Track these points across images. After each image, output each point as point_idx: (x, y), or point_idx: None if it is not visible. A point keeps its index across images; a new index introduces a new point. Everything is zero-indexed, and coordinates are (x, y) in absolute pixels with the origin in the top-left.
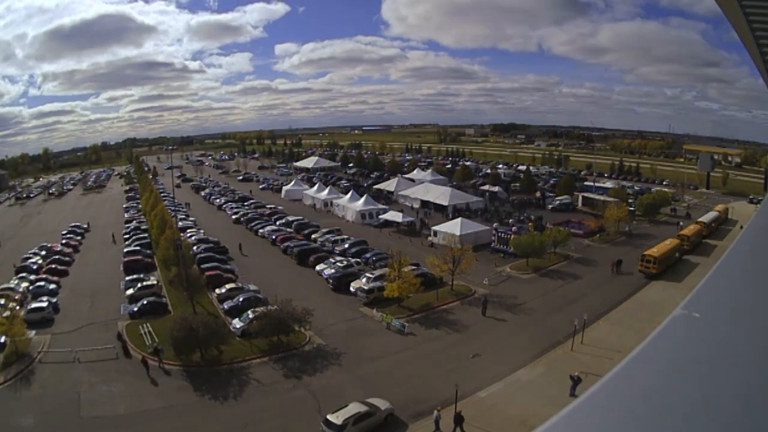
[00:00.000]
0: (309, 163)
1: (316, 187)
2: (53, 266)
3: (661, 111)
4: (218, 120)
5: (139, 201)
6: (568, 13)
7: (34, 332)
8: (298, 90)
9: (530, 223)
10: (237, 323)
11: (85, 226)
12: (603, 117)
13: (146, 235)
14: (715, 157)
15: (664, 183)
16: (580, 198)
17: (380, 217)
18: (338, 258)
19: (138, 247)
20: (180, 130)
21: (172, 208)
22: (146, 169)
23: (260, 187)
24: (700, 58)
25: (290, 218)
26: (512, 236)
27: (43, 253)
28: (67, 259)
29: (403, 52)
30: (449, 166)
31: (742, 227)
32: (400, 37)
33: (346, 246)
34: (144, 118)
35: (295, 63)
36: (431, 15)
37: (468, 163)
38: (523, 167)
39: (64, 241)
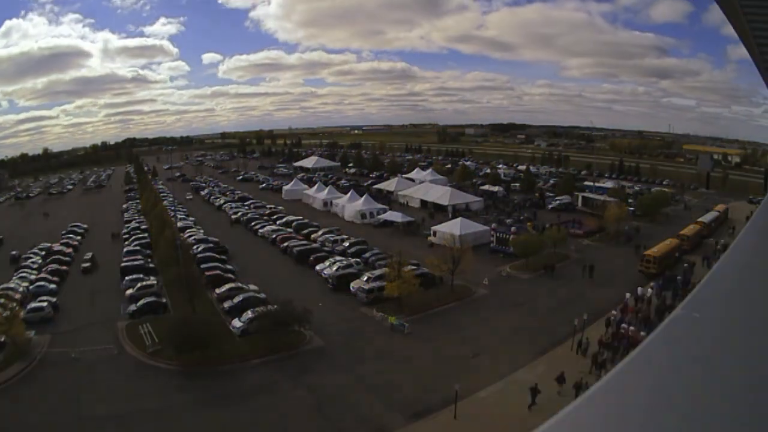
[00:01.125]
0: (309, 163)
1: (316, 187)
2: (53, 266)
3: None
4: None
5: (139, 201)
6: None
7: (33, 332)
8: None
9: (529, 223)
10: (237, 323)
11: (85, 226)
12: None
13: (146, 234)
14: (715, 157)
15: (664, 183)
16: (580, 198)
17: (380, 217)
18: (338, 258)
19: (138, 247)
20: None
21: (172, 208)
22: (146, 169)
23: (260, 187)
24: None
25: (290, 218)
26: (511, 236)
27: (43, 253)
28: (67, 259)
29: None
30: (449, 166)
31: (733, 229)
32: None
33: (346, 246)
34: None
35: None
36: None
37: (468, 163)
38: (523, 167)
39: (64, 241)
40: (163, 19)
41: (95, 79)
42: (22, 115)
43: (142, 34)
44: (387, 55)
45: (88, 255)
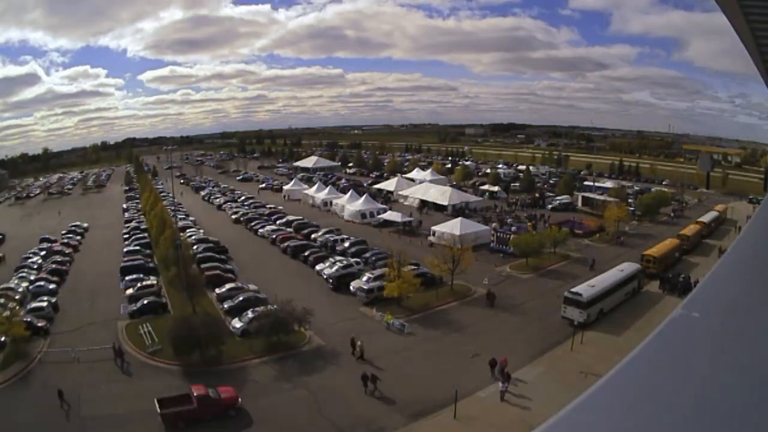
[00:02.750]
0: (309, 162)
1: (315, 187)
2: (53, 266)
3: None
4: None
5: (138, 201)
6: None
7: (34, 328)
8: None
9: (529, 224)
10: (237, 323)
11: (86, 225)
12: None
13: (146, 234)
14: (715, 157)
15: (664, 183)
16: (580, 198)
17: (380, 217)
18: (338, 258)
19: (138, 247)
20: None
21: (172, 208)
22: (146, 168)
23: (260, 186)
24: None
25: (290, 218)
26: (511, 236)
27: (43, 253)
28: (67, 259)
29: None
30: (449, 166)
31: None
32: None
33: (346, 246)
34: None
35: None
36: None
37: (468, 163)
38: (523, 167)
39: (64, 241)
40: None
41: None
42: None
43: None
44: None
45: None
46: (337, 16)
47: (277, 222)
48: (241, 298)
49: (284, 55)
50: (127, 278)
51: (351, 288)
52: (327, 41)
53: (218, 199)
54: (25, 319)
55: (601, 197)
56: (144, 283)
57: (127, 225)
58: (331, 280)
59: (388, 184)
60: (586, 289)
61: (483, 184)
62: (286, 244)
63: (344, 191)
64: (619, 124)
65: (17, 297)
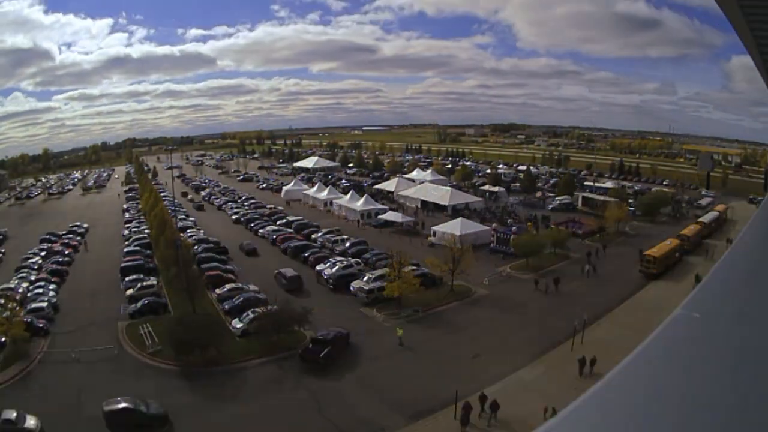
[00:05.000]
0: (309, 163)
1: (316, 187)
2: (53, 266)
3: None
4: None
5: (139, 201)
6: None
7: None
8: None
9: (529, 224)
10: (237, 323)
11: (86, 225)
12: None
13: (146, 234)
14: (715, 157)
15: (664, 183)
16: (580, 198)
17: (380, 217)
18: (338, 258)
19: (138, 247)
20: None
21: (172, 208)
22: (146, 169)
23: (260, 186)
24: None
25: (290, 218)
26: (512, 236)
27: (43, 253)
28: (67, 259)
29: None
30: (449, 166)
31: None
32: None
33: (346, 246)
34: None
35: None
36: None
37: (468, 163)
38: (523, 167)
39: (64, 241)
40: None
41: None
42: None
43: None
44: None
45: None
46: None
47: (278, 222)
48: (241, 298)
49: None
50: (127, 278)
51: (351, 288)
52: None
53: (218, 199)
54: (25, 319)
55: (602, 197)
56: (144, 283)
57: (127, 225)
58: (331, 281)
59: (389, 185)
60: None
61: (483, 184)
62: (286, 244)
63: (344, 192)
64: (619, 124)
65: (17, 297)
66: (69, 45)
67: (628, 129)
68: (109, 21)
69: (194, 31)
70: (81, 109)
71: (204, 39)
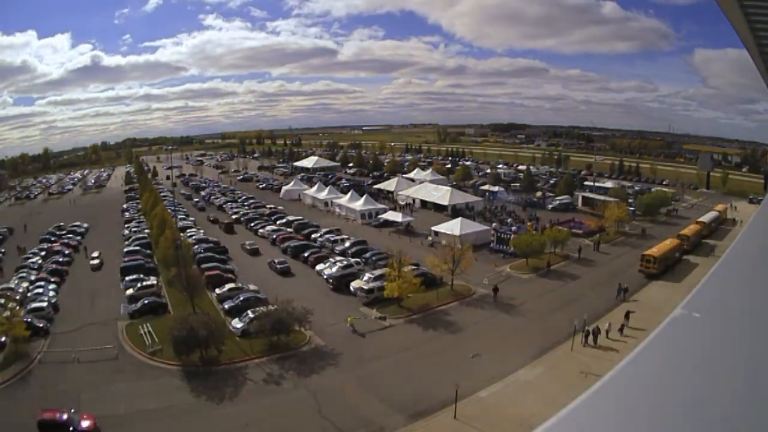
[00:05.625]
0: (309, 163)
1: (315, 187)
2: (53, 266)
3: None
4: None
5: (139, 201)
6: None
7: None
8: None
9: (529, 223)
10: (237, 323)
11: (86, 225)
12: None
13: (146, 234)
14: (715, 157)
15: (664, 183)
16: (580, 198)
17: (380, 217)
18: (338, 258)
19: (138, 247)
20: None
21: (172, 208)
22: (146, 169)
23: (260, 186)
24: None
25: (290, 218)
26: (512, 236)
27: (43, 253)
28: (67, 259)
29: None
30: (449, 166)
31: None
32: None
33: (346, 246)
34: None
35: None
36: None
37: (468, 163)
38: (523, 167)
39: (64, 241)
40: None
41: None
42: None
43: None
44: None
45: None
46: None
47: (278, 222)
48: (241, 298)
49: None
50: (127, 278)
51: (351, 288)
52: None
53: (218, 199)
54: (25, 319)
55: (602, 197)
56: (144, 283)
57: (127, 225)
58: (331, 281)
59: (389, 184)
60: None
61: (483, 184)
62: (286, 244)
63: (344, 191)
64: (619, 124)
65: (17, 297)
66: (40, 59)
67: (627, 129)
68: (67, 36)
69: (147, 44)
70: (70, 112)
71: (153, 50)
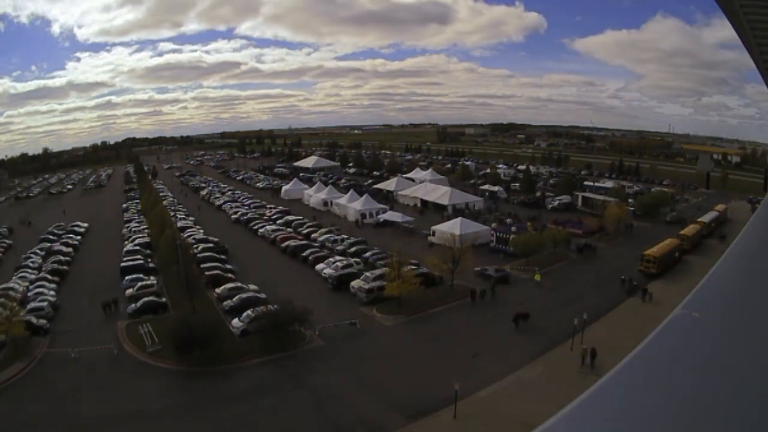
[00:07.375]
0: (309, 163)
1: (315, 187)
2: (53, 266)
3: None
4: None
5: (138, 201)
6: None
7: (34, 328)
8: None
9: (529, 223)
10: (237, 323)
11: (86, 225)
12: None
13: (146, 234)
14: (715, 157)
15: (664, 183)
16: (580, 198)
17: (380, 216)
18: (338, 258)
19: (138, 247)
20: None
21: (172, 208)
22: (146, 168)
23: (260, 186)
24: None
25: (290, 218)
26: (511, 236)
27: (43, 253)
28: (67, 259)
29: None
30: (449, 166)
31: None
32: None
33: (346, 246)
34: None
35: None
36: None
37: (468, 163)
38: (523, 167)
39: (64, 241)
40: None
41: None
42: None
43: None
44: None
45: None
46: None
47: (277, 222)
48: (241, 298)
49: None
50: (127, 278)
51: (351, 288)
52: None
53: (218, 199)
54: (25, 319)
55: (601, 197)
56: (144, 283)
57: (127, 225)
58: (331, 280)
59: (388, 184)
60: None
61: (483, 184)
62: (286, 244)
63: (344, 191)
64: (619, 124)
65: (17, 297)
66: None
67: (628, 129)
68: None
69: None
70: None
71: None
